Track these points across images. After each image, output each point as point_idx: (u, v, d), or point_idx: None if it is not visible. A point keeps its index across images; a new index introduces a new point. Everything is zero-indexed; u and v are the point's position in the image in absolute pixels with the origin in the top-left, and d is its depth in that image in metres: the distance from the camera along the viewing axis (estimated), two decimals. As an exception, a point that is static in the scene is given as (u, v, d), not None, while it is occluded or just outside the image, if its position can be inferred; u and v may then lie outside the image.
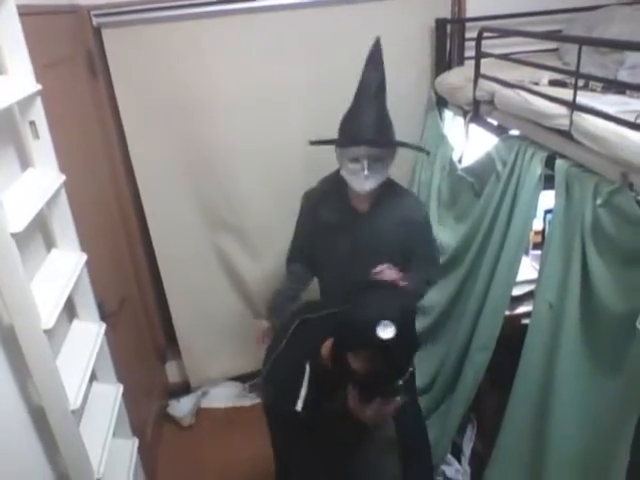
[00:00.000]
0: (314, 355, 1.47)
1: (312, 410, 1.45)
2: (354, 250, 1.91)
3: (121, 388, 1.61)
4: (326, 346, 1.46)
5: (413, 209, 1.95)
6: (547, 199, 1.82)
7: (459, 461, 2.25)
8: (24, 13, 1.27)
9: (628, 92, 1.71)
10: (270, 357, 1.64)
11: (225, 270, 2.77)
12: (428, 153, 2.29)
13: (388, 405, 1.33)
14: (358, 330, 1.29)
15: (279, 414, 1.58)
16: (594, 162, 1.51)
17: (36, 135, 1.30)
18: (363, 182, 1.80)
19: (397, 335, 1.24)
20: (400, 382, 1.33)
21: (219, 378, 3.00)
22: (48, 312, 1.17)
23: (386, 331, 1.24)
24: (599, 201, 1.45)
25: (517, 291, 2.10)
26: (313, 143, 1.86)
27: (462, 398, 2.13)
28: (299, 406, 1.44)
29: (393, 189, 1.95)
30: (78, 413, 1.34)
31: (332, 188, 1.97)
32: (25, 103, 1.27)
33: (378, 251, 1.88)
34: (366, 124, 1.77)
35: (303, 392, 1.45)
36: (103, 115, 2.36)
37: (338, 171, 1.92)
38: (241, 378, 3.00)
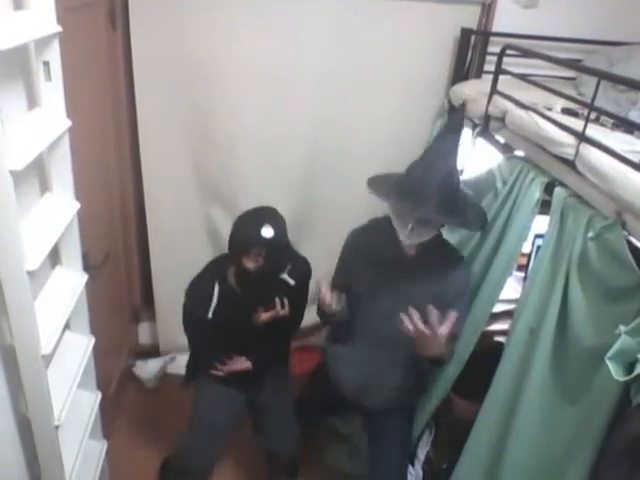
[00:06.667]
0: (222, 277, 1.89)
1: (220, 319, 1.87)
2: (394, 288, 1.82)
3: (92, 340, 1.61)
4: (231, 273, 1.88)
5: (455, 267, 1.86)
6: (538, 224, 1.84)
7: (412, 464, 2.28)
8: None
9: (636, 133, 1.73)
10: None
11: (214, 244, 2.77)
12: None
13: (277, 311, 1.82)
14: (247, 234, 1.69)
15: (194, 318, 1.96)
16: (592, 195, 1.53)
17: (48, 77, 1.29)
18: (406, 236, 1.69)
19: (275, 234, 1.65)
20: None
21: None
22: (34, 253, 1.17)
23: (267, 231, 1.65)
24: (591, 234, 1.47)
25: (494, 308, 2.12)
26: (370, 185, 1.77)
27: (429, 405, 2.15)
28: (210, 314, 1.87)
29: (443, 245, 1.87)
30: (48, 358, 1.34)
31: (384, 228, 1.83)
32: (42, 42, 1.25)
33: (413, 293, 1.79)
34: (423, 187, 1.64)
35: (213, 304, 1.87)
36: (116, 68, 2.34)
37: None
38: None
